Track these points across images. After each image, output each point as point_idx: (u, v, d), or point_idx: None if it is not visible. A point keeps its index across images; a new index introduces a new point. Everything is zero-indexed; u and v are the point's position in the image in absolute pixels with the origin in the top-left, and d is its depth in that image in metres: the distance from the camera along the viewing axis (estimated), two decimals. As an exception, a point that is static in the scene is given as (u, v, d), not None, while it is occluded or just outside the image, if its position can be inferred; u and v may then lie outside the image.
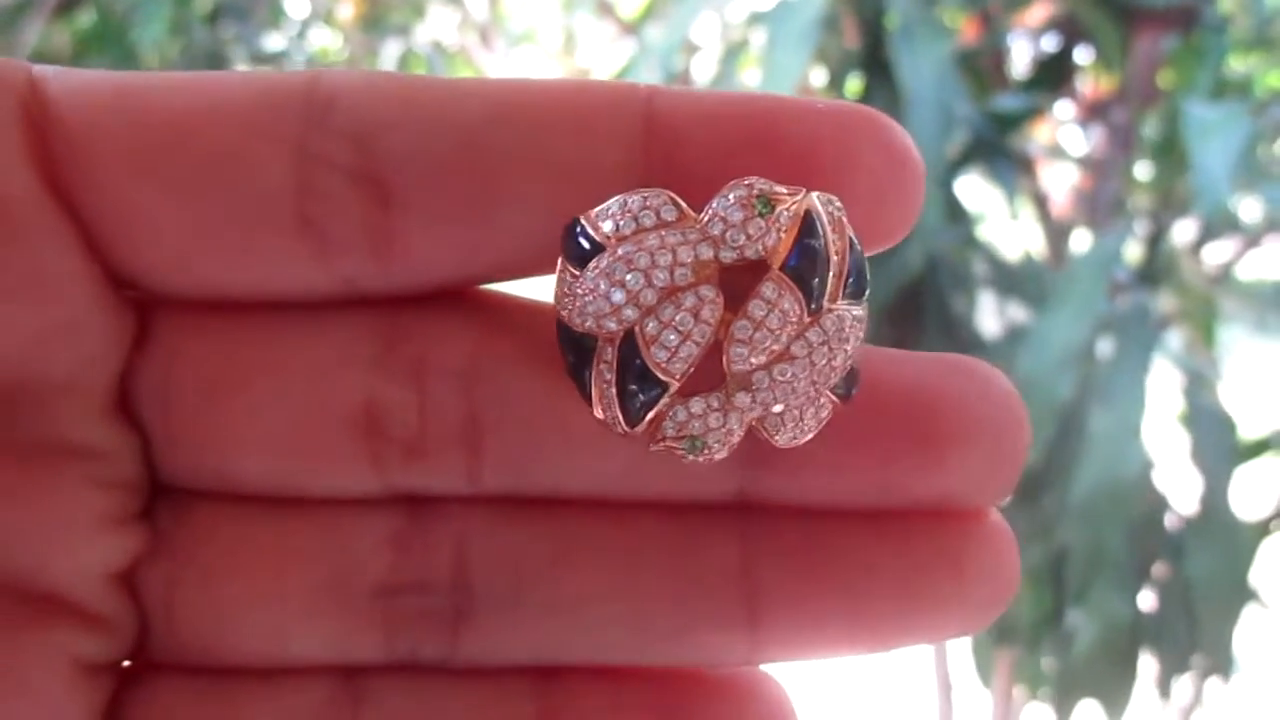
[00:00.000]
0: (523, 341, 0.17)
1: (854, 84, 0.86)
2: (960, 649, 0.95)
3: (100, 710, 0.17)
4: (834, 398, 0.16)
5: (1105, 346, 0.75)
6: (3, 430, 0.16)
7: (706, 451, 0.16)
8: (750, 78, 0.88)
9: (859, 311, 0.16)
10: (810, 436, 0.16)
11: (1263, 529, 0.80)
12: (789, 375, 0.16)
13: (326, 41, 1.68)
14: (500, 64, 1.71)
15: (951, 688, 1.02)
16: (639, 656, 0.17)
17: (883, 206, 0.16)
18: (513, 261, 0.17)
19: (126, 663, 0.18)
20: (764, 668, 0.18)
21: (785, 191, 0.15)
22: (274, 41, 1.52)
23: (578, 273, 0.16)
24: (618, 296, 0.15)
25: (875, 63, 0.81)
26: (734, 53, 0.88)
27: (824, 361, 0.16)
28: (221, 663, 0.17)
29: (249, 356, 0.17)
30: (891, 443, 0.16)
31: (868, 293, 0.16)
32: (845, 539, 0.17)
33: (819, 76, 0.93)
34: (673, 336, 0.15)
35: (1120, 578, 0.72)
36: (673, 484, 0.17)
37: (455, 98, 0.16)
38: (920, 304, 0.81)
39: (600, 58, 1.76)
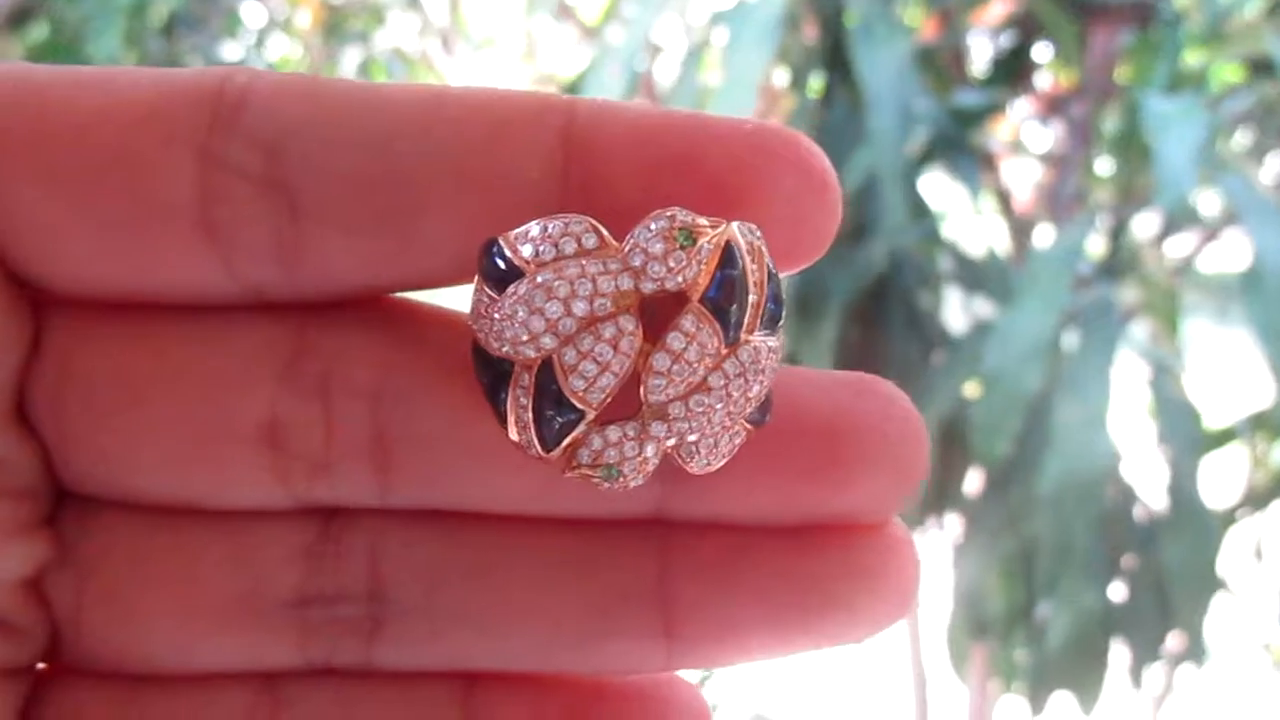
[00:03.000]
0: (434, 357, 0.17)
1: (815, 82, 0.86)
2: (935, 643, 0.95)
3: (15, 713, 0.17)
4: (747, 425, 0.16)
5: (1070, 339, 0.76)
6: None
7: (622, 479, 0.16)
8: (712, 78, 0.88)
9: (774, 342, 0.16)
10: (724, 462, 0.16)
11: (1229, 517, 0.81)
12: (705, 406, 0.16)
13: (285, 50, 1.67)
14: (462, 69, 1.70)
15: (926, 682, 1.02)
16: (554, 665, 0.17)
17: (800, 227, 0.16)
18: (426, 272, 0.16)
19: (41, 665, 0.17)
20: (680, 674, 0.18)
21: (706, 223, 0.15)
22: (231, 51, 1.50)
23: (495, 295, 0.15)
24: (537, 325, 0.15)
25: (836, 61, 0.81)
26: (696, 53, 0.87)
27: (740, 393, 0.16)
28: (133, 671, 0.17)
29: (145, 366, 0.16)
30: (802, 463, 0.17)
31: (782, 320, 0.16)
32: (760, 551, 0.17)
33: (781, 75, 0.93)
34: (591, 367, 0.15)
35: (1090, 569, 0.73)
36: (588, 503, 0.17)
37: (369, 105, 0.15)
38: (886, 301, 0.81)
39: (562, 61, 1.76)
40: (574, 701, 0.18)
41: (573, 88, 0.87)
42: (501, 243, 0.15)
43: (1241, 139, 0.99)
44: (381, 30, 1.66)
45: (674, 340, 0.15)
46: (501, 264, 0.15)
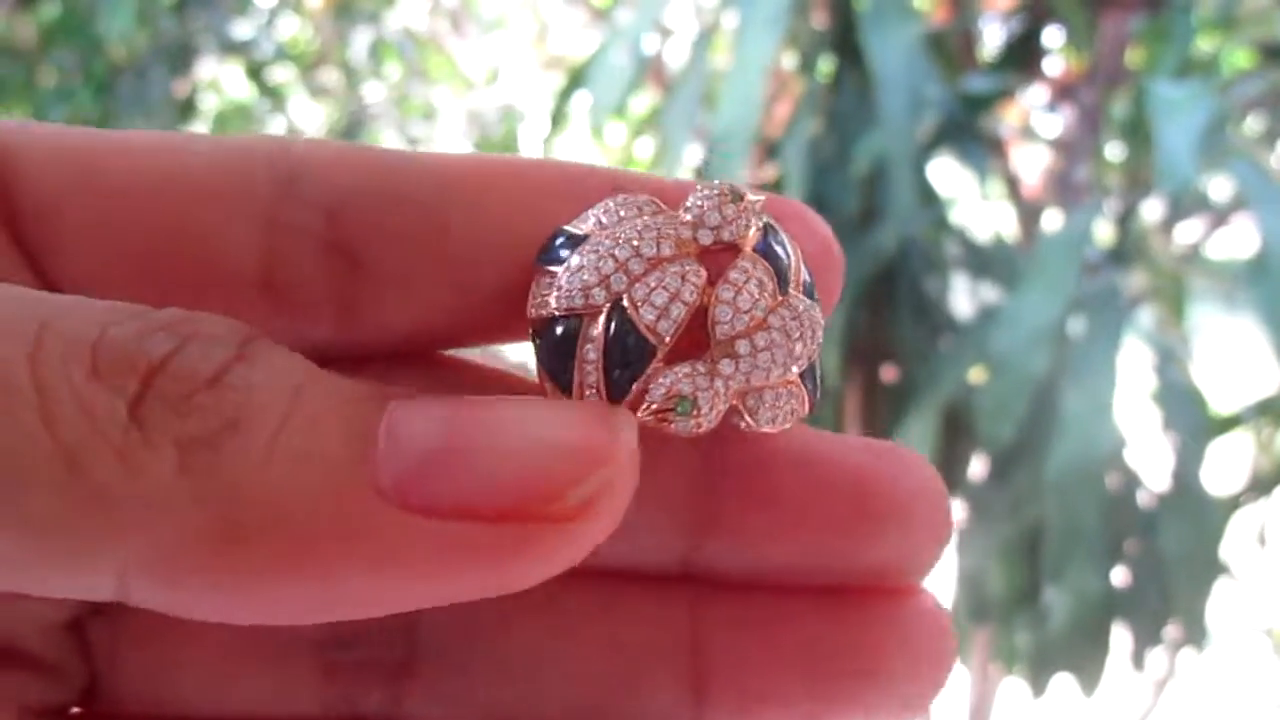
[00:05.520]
0: None
1: (825, 66, 0.86)
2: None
3: None
4: (806, 389, 0.17)
5: (1077, 325, 0.76)
6: None
7: (696, 414, 0.16)
8: (722, 62, 0.87)
9: (817, 309, 0.17)
10: (788, 425, 0.17)
11: (1233, 503, 0.81)
12: (768, 342, 0.16)
13: (295, 30, 1.67)
14: (471, 51, 1.70)
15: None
16: (581, 718, 0.18)
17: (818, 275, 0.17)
18: (480, 327, 0.17)
19: (75, 710, 0.18)
20: None
21: (750, 192, 0.17)
22: (242, 30, 1.50)
23: (555, 271, 0.16)
24: (607, 266, 0.16)
25: (846, 45, 0.81)
26: (705, 37, 0.87)
27: (796, 336, 0.16)
28: (167, 713, 0.18)
29: None
30: (829, 515, 0.17)
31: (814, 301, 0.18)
32: (792, 610, 0.17)
33: (790, 60, 0.93)
34: (662, 295, 0.16)
35: (1094, 554, 0.73)
36: (618, 551, 0.17)
37: (419, 171, 0.16)
38: (893, 287, 0.81)
39: (571, 44, 1.75)
40: None
41: (581, 71, 0.87)
42: (565, 228, 0.17)
43: (1252, 124, 0.98)
44: (392, 11, 1.66)
45: (736, 273, 0.16)
46: (562, 244, 0.16)
